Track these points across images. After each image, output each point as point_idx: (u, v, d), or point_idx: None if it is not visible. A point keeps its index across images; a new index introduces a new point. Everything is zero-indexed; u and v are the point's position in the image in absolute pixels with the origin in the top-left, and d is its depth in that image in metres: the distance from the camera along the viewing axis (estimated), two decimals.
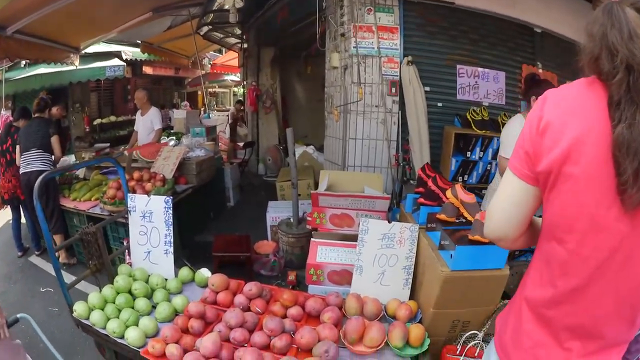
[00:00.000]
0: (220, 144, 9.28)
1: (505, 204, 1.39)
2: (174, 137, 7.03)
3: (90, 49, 8.24)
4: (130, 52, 9.99)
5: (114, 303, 2.69)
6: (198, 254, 4.94)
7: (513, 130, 3.41)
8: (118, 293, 2.75)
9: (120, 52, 9.64)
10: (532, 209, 1.36)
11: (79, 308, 2.67)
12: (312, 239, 3.28)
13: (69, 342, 3.38)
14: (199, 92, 16.85)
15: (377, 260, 2.91)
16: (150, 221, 3.07)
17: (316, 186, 4.36)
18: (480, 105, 5.13)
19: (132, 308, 2.67)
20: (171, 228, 3.06)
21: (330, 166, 5.47)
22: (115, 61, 9.49)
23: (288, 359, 2.20)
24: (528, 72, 5.20)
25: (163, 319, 2.63)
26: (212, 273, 4.25)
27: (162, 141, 6.45)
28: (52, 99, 5.55)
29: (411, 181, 4.19)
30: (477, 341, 2.52)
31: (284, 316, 2.69)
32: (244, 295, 2.80)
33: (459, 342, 2.62)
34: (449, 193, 2.83)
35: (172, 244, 3.07)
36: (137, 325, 2.53)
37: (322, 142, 6.12)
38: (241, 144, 9.43)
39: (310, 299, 2.76)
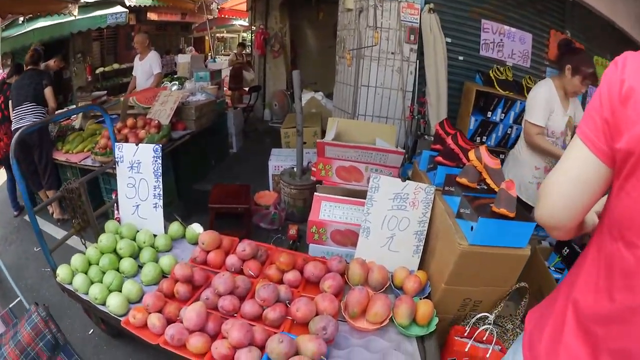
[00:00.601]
0: (225, 88, 8.94)
1: (569, 183, 1.10)
2: (177, 82, 6.62)
3: None
4: None
5: (98, 265, 2.47)
6: (196, 203, 4.67)
7: (542, 94, 3.09)
8: (103, 253, 2.51)
9: None
10: (600, 194, 1.08)
11: (61, 272, 2.44)
12: (315, 194, 2.94)
13: (59, 305, 3.14)
14: (206, 38, 16.27)
15: (386, 223, 2.59)
16: (138, 172, 2.79)
17: (323, 135, 4.01)
18: (504, 64, 4.75)
19: (118, 269, 2.46)
20: (160, 179, 2.77)
21: (339, 114, 5.07)
22: (118, 8, 9.04)
23: (278, 338, 1.89)
24: (557, 38, 4.84)
25: (149, 281, 2.40)
26: (209, 225, 4.10)
27: (163, 86, 6.10)
28: (46, 50, 5.10)
29: (426, 136, 3.84)
30: (488, 326, 2.25)
31: (280, 281, 2.41)
32: (236, 256, 2.50)
33: (467, 322, 2.37)
34: (472, 155, 2.48)
35: (162, 197, 2.79)
36: (121, 289, 2.31)
37: (332, 89, 5.68)
38: (247, 89, 8.99)
39: (309, 264, 2.45)
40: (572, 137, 3.17)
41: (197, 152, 5.45)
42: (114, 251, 2.56)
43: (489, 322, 2.30)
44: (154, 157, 2.75)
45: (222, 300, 2.17)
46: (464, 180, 2.42)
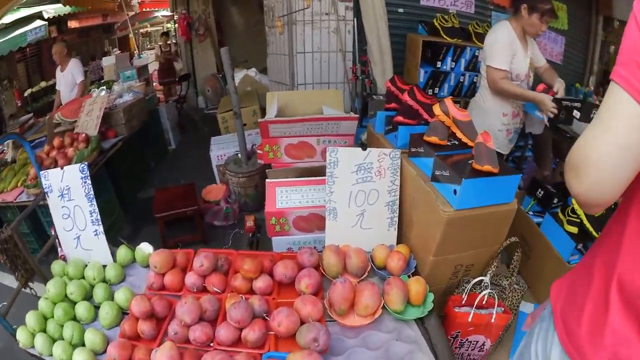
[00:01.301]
0: (155, 83, 8.40)
1: (614, 145, 0.83)
2: (104, 87, 6.03)
3: (7, 19, 7.34)
4: (52, 9, 8.68)
5: (54, 317, 2.08)
6: (144, 214, 4.21)
7: (503, 38, 2.86)
8: (55, 303, 2.12)
9: (41, 12, 8.47)
10: None
11: (21, 337, 2.05)
12: (267, 180, 2.58)
13: None
14: (130, 35, 15.48)
15: (353, 199, 2.28)
16: (70, 199, 2.37)
17: (263, 113, 3.64)
18: (447, 12, 4.53)
19: (75, 319, 2.09)
20: (94, 202, 2.37)
21: (277, 87, 4.71)
22: (37, 22, 8.34)
23: None
24: None
25: (109, 325, 2.03)
26: (160, 238, 3.73)
27: (88, 94, 5.51)
28: None
29: (374, 96, 3.53)
30: (489, 291, 2.06)
31: (250, 290, 2.07)
32: (195, 273, 2.12)
33: (462, 289, 2.19)
34: (437, 109, 2.23)
35: (100, 222, 2.39)
36: (83, 342, 1.95)
37: (265, 64, 5.33)
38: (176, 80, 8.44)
39: (278, 265, 2.09)
40: (544, 78, 2.95)
41: (134, 157, 4.92)
42: (66, 297, 2.18)
43: (486, 284, 2.12)
44: (82, 178, 2.35)
45: (192, 332, 1.83)
46: (434, 139, 2.15)
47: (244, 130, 3.84)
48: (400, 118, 2.45)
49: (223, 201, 3.91)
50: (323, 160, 2.77)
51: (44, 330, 2.05)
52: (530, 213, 3.10)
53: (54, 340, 2.00)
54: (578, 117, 2.50)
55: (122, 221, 4.26)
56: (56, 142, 3.85)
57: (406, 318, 1.91)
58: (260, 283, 2.03)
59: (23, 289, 2.26)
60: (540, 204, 3.22)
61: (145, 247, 2.42)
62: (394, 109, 2.64)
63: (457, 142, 2.20)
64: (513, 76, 2.88)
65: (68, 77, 5.42)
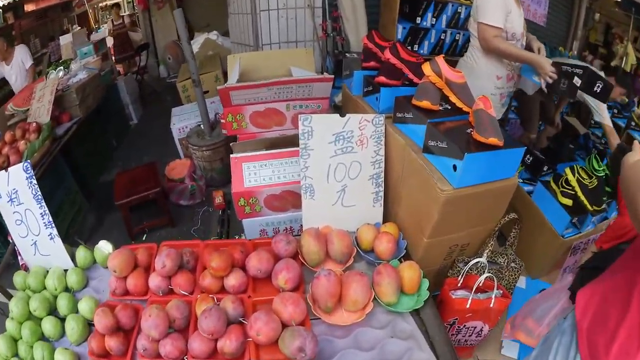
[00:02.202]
0: (114, 57, 7.74)
1: None
2: (62, 67, 5.49)
3: None
4: None
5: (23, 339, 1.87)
6: (107, 200, 3.82)
7: None
8: (21, 323, 1.89)
9: None
10: None
11: None
12: (232, 156, 2.22)
13: None
14: (88, 10, 14.57)
15: (332, 174, 1.97)
16: (19, 203, 2.08)
17: (226, 77, 3.23)
18: None
19: (45, 336, 1.87)
20: (43, 204, 2.07)
21: (240, 49, 4.25)
22: None
23: None
24: None
25: (77, 341, 1.79)
26: (125, 226, 3.46)
27: (40, 78, 5.03)
28: None
29: (347, 54, 3.15)
30: (488, 274, 1.84)
31: (222, 289, 1.77)
32: (158, 275, 1.80)
33: (458, 271, 1.97)
34: (427, 69, 1.87)
35: (53, 225, 2.09)
36: None
37: (227, 27, 4.83)
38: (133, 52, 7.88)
39: (251, 258, 1.76)
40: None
41: (93, 138, 4.50)
42: (31, 314, 1.92)
43: (483, 265, 1.91)
44: (27, 178, 2.03)
45: (162, 347, 1.56)
46: (425, 103, 1.83)
47: (204, 98, 3.47)
48: (382, 78, 2.11)
49: (188, 178, 3.57)
50: (295, 127, 2.49)
51: (17, 354, 1.85)
52: (520, 181, 2.89)
53: None
54: (579, 84, 2.24)
55: (85, 210, 3.92)
56: (7, 136, 3.44)
57: (401, 309, 1.66)
58: (233, 281, 1.72)
59: None
60: (528, 170, 3.02)
61: (104, 247, 2.11)
62: (374, 67, 2.30)
63: (449, 107, 1.90)
64: (508, 35, 2.53)
65: (18, 65, 4.98)
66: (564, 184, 2.56)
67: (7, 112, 4.03)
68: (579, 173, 2.54)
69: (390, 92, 2.07)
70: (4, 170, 2.06)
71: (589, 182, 2.49)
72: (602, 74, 2.55)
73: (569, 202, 2.51)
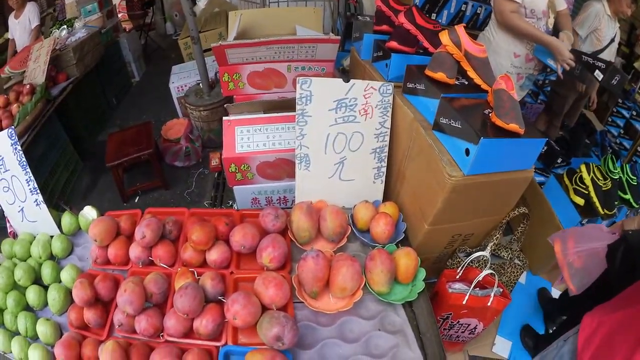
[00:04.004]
0: (122, 13, 7.26)
1: None
2: (65, 26, 5.20)
3: None
4: None
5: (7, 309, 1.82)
6: (102, 162, 3.58)
7: None
8: (6, 293, 1.83)
9: None
10: None
11: None
12: (224, 118, 2.02)
13: None
14: None
15: (330, 144, 1.77)
16: (6, 170, 2.02)
17: None
18: None
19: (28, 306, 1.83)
20: (28, 170, 2.01)
21: (246, 6, 4.05)
22: None
23: None
24: None
25: (59, 310, 1.72)
26: (117, 187, 3.28)
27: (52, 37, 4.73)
28: None
29: (359, 16, 2.91)
30: (489, 271, 1.64)
31: (204, 263, 1.61)
32: (139, 246, 1.65)
33: (458, 262, 1.83)
34: (445, 37, 1.64)
35: (38, 191, 2.02)
36: (37, 334, 1.69)
37: None
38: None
39: (235, 233, 1.59)
40: (556, 22, 2.28)
41: (91, 98, 4.30)
42: (16, 284, 1.86)
43: (485, 260, 1.74)
44: (12, 145, 1.97)
45: (137, 324, 1.44)
46: (440, 75, 1.61)
47: (204, 56, 3.23)
48: (394, 43, 1.88)
49: (184, 139, 3.38)
50: (295, 90, 2.27)
51: (3, 324, 1.81)
52: None
53: (13, 335, 1.76)
54: (600, 78, 2.06)
55: (80, 171, 3.75)
56: (1, 100, 3.26)
57: (392, 300, 1.49)
58: (214, 255, 1.56)
59: None
60: (541, 160, 2.86)
61: (88, 213, 2.00)
62: (386, 32, 2.08)
63: (466, 83, 1.68)
64: (527, 12, 2.28)
65: (25, 24, 4.70)
66: (577, 181, 2.41)
67: (3, 75, 3.85)
68: (594, 172, 2.38)
69: (402, 59, 1.85)
70: None
71: (603, 184, 2.34)
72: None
73: (580, 201, 2.36)
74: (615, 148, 3.54)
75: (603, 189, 2.34)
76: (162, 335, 1.44)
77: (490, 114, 1.42)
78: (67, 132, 3.59)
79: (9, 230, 2.23)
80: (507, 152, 1.38)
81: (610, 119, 3.89)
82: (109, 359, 1.34)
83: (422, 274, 1.55)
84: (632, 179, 2.53)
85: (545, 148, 2.80)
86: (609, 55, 2.79)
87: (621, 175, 2.51)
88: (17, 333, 1.72)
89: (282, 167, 1.96)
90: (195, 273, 1.54)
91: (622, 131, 3.81)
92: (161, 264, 1.62)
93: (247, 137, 1.95)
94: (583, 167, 2.44)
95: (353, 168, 1.81)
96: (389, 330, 1.44)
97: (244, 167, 1.93)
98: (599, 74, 2.06)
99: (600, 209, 2.32)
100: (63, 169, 3.40)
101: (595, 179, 2.36)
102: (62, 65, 3.81)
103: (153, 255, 1.64)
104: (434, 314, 1.50)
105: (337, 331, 1.43)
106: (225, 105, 2.15)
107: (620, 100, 3.85)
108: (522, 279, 2.55)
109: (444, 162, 1.44)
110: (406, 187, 1.77)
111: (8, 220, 2.18)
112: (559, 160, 2.80)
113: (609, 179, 2.37)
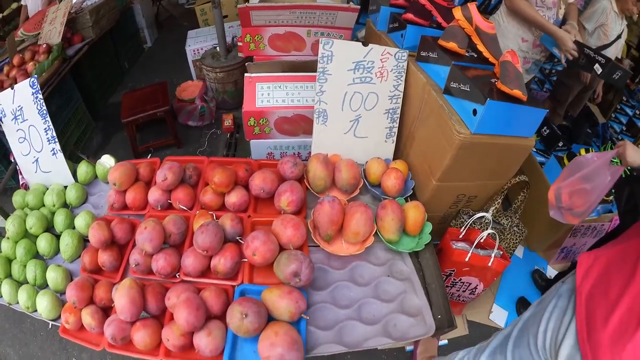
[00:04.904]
0: None
1: None
2: None
3: None
4: None
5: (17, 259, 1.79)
6: (114, 121, 3.68)
7: None
8: (16, 242, 1.80)
9: None
10: None
11: None
12: (246, 75, 2.05)
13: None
14: None
15: (347, 102, 1.81)
16: (24, 120, 2.01)
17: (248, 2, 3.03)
18: None
19: (39, 255, 1.81)
20: (48, 119, 1.98)
21: None
22: None
23: (240, 312, 1.23)
24: None
25: (71, 257, 1.72)
26: (130, 144, 3.30)
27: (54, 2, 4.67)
28: None
29: None
30: (490, 231, 1.69)
31: (222, 206, 1.65)
32: (159, 188, 1.68)
33: (462, 222, 1.86)
34: (458, 13, 1.72)
35: (57, 140, 2.00)
36: (47, 282, 1.69)
37: None
38: None
39: (255, 177, 1.63)
40: (565, 12, 2.29)
41: (104, 60, 4.30)
42: (27, 232, 1.85)
43: (487, 221, 1.80)
44: (33, 94, 1.94)
45: (155, 263, 1.46)
46: (452, 45, 1.67)
47: (223, 21, 3.24)
48: (410, 15, 1.93)
49: (199, 99, 3.39)
50: (313, 54, 2.33)
51: (11, 275, 1.79)
52: (534, 150, 2.75)
53: (21, 284, 1.74)
54: (599, 72, 2.09)
55: (92, 130, 3.75)
56: (16, 60, 3.24)
57: (401, 249, 1.54)
58: (234, 198, 1.60)
59: None
60: (543, 142, 2.89)
61: (106, 161, 2.00)
62: (402, 6, 2.12)
63: (475, 55, 1.73)
64: (537, 0, 2.31)
65: None
66: None
67: (17, 38, 3.79)
68: None
69: (417, 30, 1.91)
70: (9, 89, 1.98)
71: None
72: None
73: None
74: (615, 142, 3.58)
75: None
76: (178, 275, 1.48)
77: (496, 82, 1.50)
78: (79, 92, 3.60)
79: (20, 183, 2.23)
80: (510, 116, 1.45)
81: (613, 115, 3.91)
82: (125, 295, 1.35)
83: (429, 227, 1.61)
84: (628, 172, 2.56)
85: (548, 131, 2.84)
86: (616, 50, 2.80)
87: (619, 162, 2.54)
88: (24, 284, 1.72)
89: (299, 123, 2.00)
90: (214, 216, 1.58)
91: (624, 128, 3.85)
92: (180, 206, 1.65)
93: (267, 93, 1.99)
94: (582, 151, 2.48)
95: (367, 126, 1.85)
96: (397, 277, 1.49)
97: (262, 121, 1.97)
98: (598, 68, 2.09)
99: None
100: (75, 127, 3.41)
101: None
102: (77, 27, 3.80)
103: (172, 198, 1.67)
104: (439, 266, 1.55)
105: (349, 275, 1.48)
106: (246, 64, 2.17)
107: (624, 98, 3.87)
108: (520, 253, 2.61)
109: (453, 121, 1.50)
110: (415, 147, 1.82)
111: (20, 173, 2.17)
112: (560, 144, 2.83)
113: None
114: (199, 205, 1.67)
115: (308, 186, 1.68)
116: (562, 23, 2.32)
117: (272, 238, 1.39)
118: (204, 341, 1.26)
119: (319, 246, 1.52)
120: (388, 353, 2.04)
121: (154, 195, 1.67)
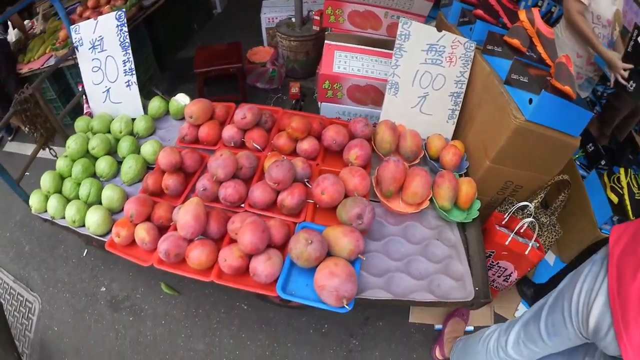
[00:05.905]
0: None
1: None
2: None
3: None
4: None
5: (72, 176, 1.83)
6: (181, 74, 3.80)
7: None
8: (75, 160, 1.85)
9: None
10: None
11: (34, 201, 1.83)
12: (326, 42, 2.15)
13: (51, 233, 2.53)
14: None
15: (418, 79, 1.89)
16: (102, 50, 2.05)
17: None
18: None
19: (95, 176, 1.84)
20: (129, 51, 2.04)
21: None
22: None
23: (306, 239, 1.30)
24: None
25: (131, 180, 1.78)
26: (197, 94, 3.30)
27: None
28: None
29: None
30: (530, 219, 1.75)
31: (293, 152, 1.74)
32: (235, 126, 1.76)
33: (505, 208, 1.90)
34: (523, 15, 1.85)
35: (134, 72, 2.06)
36: (100, 200, 1.73)
37: None
38: None
39: (329, 129, 1.73)
40: (620, 33, 2.20)
41: (176, 17, 4.34)
42: (88, 153, 1.89)
43: (529, 212, 1.84)
44: (118, 25, 2.00)
45: (223, 190, 1.53)
46: (516, 42, 1.76)
47: None
48: (480, 12, 2.01)
49: (270, 63, 3.47)
50: (388, 35, 2.40)
51: (60, 191, 1.82)
52: (577, 163, 2.76)
53: (69, 201, 1.76)
54: (632, 89, 2.16)
55: (157, 78, 3.85)
56: (91, 2, 3.29)
57: (450, 218, 1.62)
58: (306, 145, 1.70)
59: (42, 151, 2.01)
60: (587, 157, 2.89)
61: (181, 98, 2.08)
62: (471, 3, 2.20)
63: (534, 55, 1.80)
64: (594, 17, 2.30)
65: None
66: (615, 181, 2.43)
67: None
68: (631, 178, 2.40)
69: (484, 26, 1.99)
70: (92, 19, 2.03)
71: (637, 192, 2.35)
72: None
73: (615, 198, 2.37)
74: None
75: (636, 197, 2.34)
76: (243, 205, 1.55)
77: (550, 80, 1.60)
78: (150, 42, 3.68)
79: (85, 112, 2.27)
80: (560, 110, 1.53)
81: None
82: (191, 211, 1.38)
83: (478, 204, 1.68)
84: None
85: (593, 148, 2.83)
86: None
87: None
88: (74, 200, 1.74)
89: (369, 94, 2.08)
90: (285, 158, 1.64)
91: None
92: (254, 144, 1.73)
93: (344, 61, 2.08)
94: (622, 170, 2.47)
95: (433, 104, 1.93)
96: (445, 243, 1.57)
97: (336, 85, 2.06)
98: (631, 85, 2.13)
99: (630, 213, 2.31)
100: (142, 73, 3.48)
101: (631, 184, 2.36)
102: None
103: (246, 137, 1.76)
104: (483, 242, 1.62)
105: (402, 232, 1.57)
106: (326, 33, 2.26)
107: None
108: (551, 260, 2.60)
109: (511, 107, 1.59)
110: (474, 129, 1.89)
111: (87, 102, 2.22)
112: (602, 163, 2.84)
113: None
114: (270, 148, 1.77)
115: (374, 147, 1.77)
116: (613, 47, 2.34)
117: (341, 182, 1.48)
118: (262, 266, 1.31)
119: (378, 202, 1.60)
120: (417, 327, 2.08)
121: (230, 132, 1.76)
